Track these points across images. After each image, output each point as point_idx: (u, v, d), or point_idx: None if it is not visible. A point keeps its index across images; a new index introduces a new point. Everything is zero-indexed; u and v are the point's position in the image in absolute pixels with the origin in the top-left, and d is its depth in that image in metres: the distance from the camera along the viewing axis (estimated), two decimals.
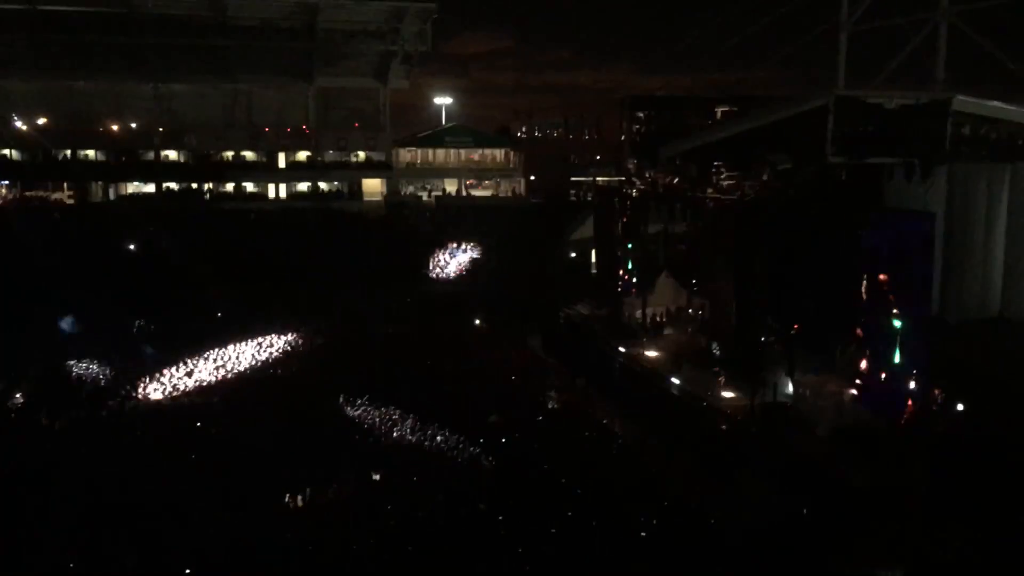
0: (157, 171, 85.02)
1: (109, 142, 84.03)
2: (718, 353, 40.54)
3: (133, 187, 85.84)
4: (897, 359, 29.91)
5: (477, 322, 56.76)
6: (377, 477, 29.30)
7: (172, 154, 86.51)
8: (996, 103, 33.71)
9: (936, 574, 22.86)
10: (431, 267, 68.55)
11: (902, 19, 49.95)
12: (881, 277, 30.66)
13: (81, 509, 25.83)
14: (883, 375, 30.62)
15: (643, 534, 24.78)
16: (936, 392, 29.58)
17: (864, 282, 31.87)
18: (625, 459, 32.06)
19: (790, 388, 35.30)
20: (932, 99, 34.07)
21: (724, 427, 34.61)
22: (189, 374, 42.33)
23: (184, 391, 40.49)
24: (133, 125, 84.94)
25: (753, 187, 38.34)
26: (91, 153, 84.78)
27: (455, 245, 71.38)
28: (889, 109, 34.51)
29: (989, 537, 23.47)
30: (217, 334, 47.38)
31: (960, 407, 29.23)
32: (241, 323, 48.76)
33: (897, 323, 29.92)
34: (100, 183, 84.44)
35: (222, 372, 43.06)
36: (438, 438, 32.74)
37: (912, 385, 29.27)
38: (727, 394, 38.25)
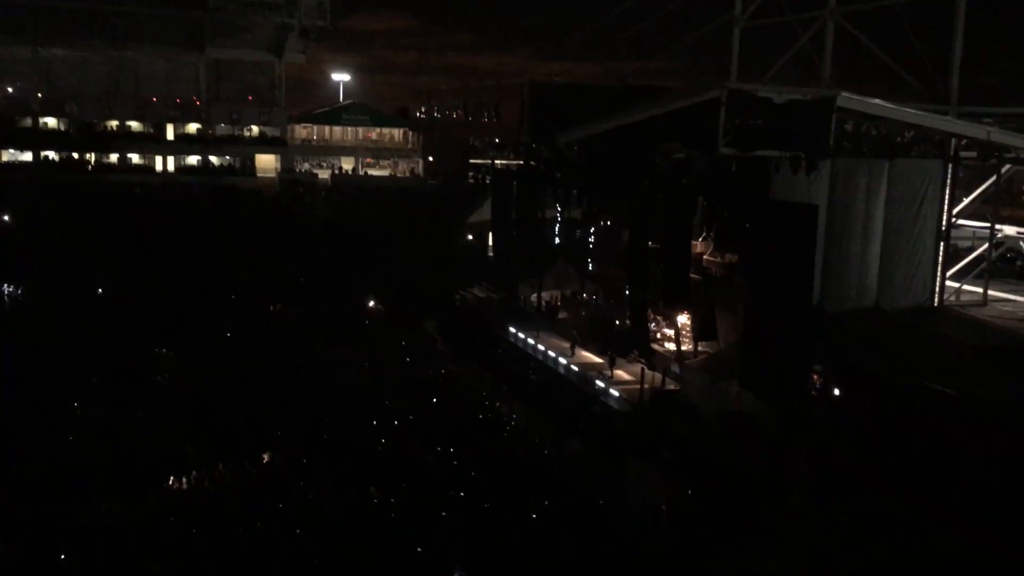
0: (35, 139, 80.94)
1: None
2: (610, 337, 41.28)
3: (8, 155, 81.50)
4: (780, 346, 30.95)
5: (372, 304, 56.11)
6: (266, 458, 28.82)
7: (52, 122, 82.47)
8: (878, 101, 34.98)
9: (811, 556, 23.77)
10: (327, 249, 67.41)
11: (792, 17, 51.47)
12: (766, 266, 31.70)
13: None
14: (767, 361, 31.66)
15: (534, 517, 25.01)
16: (815, 378, 30.75)
17: (750, 271, 32.93)
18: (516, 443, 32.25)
19: (679, 371, 36.26)
20: (818, 96, 35.20)
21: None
22: None
23: None
24: (9, 90, 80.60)
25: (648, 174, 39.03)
26: None
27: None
28: (778, 104, 35.52)
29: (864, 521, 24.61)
30: None
31: (836, 392, 30.52)
32: None
33: (781, 311, 30.97)
34: None
35: None
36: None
37: (794, 371, 30.35)
38: (620, 378, 39.03)
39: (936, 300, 36.67)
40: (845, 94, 33.89)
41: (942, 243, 36.31)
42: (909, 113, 35.34)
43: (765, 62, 52.77)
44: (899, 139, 36.02)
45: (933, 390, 27.05)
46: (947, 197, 36.21)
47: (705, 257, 39.91)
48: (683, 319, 39.16)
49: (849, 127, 34.74)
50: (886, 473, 26.01)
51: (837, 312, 33.05)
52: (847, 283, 34.89)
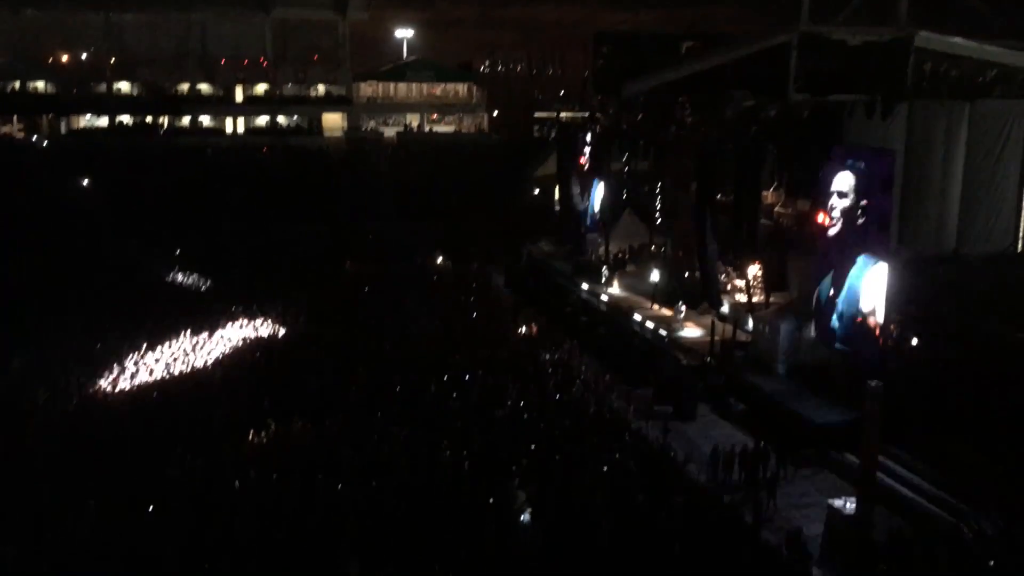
0: (110, 104, 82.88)
1: (59, 74, 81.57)
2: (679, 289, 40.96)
3: (85, 121, 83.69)
4: (855, 295, 30.29)
5: (439, 260, 56.55)
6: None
7: (125, 87, 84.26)
8: (958, 40, 33.74)
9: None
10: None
11: None
12: (841, 212, 30.91)
13: None
14: (840, 310, 31.05)
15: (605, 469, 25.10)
16: (891, 327, 30.05)
17: (822, 217, 32.17)
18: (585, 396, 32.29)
19: (750, 324, 35.79)
20: (895, 36, 34.05)
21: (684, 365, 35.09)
22: None
23: None
24: (84, 56, 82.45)
25: (715, 124, 38.32)
26: (40, 85, 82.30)
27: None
28: (852, 46, 34.48)
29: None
30: None
31: (915, 342, 29.79)
32: None
33: (856, 259, 30.24)
34: (50, 116, 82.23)
35: None
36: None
37: (869, 320, 29.70)
38: (688, 331, 38.78)
39: (1019, 246, 35.54)
40: (923, 33, 32.71)
41: None
42: (992, 51, 34.02)
43: (829, 6, 50.94)
44: (980, 79, 34.73)
45: (1013, 337, 26.29)
46: None
47: (776, 209, 39.17)
48: (754, 270, 38.62)
49: (928, 68, 33.61)
50: (962, 425, 25.40)
51: (915, 259, 32.20)
52: (925, 229, 34.00)
